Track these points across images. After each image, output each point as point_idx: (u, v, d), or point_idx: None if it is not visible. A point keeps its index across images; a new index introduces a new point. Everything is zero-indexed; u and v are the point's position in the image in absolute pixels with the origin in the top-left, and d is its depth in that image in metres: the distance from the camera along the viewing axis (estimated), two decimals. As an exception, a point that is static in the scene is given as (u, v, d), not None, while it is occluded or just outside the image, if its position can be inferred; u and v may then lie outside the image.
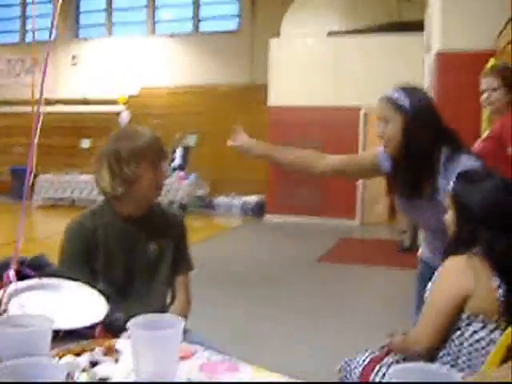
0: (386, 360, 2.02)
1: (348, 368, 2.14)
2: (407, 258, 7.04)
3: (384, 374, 1.98)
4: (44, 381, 0.91)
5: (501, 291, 1.79)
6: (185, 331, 2.23)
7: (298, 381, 1.34)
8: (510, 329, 1.69)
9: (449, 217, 1.97)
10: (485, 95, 3.33)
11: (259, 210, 12.55)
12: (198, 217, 12.25)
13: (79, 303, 1.61)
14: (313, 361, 3.83)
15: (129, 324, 1.17)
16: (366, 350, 2.16)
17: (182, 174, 12.56)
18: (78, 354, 1.35)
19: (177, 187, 12.32)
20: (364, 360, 2.10)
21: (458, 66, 6.74)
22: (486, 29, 6.48)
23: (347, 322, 4.94)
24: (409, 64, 10.77)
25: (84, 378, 1.18)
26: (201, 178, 12.95)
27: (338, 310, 5.34)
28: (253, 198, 12.77)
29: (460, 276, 1.83)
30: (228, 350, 1.92)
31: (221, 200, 13.26)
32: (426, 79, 9.31)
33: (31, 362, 0.98)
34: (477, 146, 3.35)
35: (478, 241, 1.84)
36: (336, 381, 2.18)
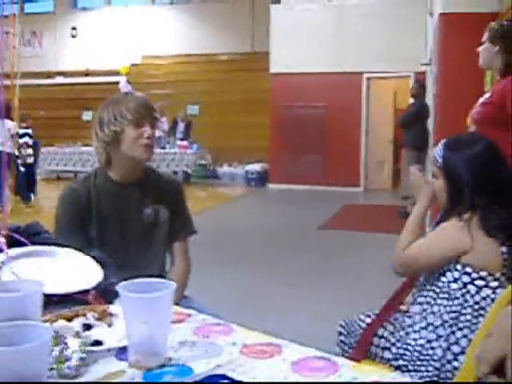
0: (388, 327, 2.01)
1: (348, 329, 2.14)
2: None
3: (385, 338, 1.98)
4: (31, 344, 0.90)
5: (504, 249, 1.80)
6: (184, 298, 2.26)
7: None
8: (507, 290, 1.68)
9: (437, 186, 1.98)
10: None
11: (262, 179, 12.54)
12: (202, 186, 12.26)
13: (73, 269, 1.60)
14: (312, 325, 3.86)
15: (119, 287, 1.16)
16: (370, 313, 2.15)
17: (184, 143, 12.52)
18: (70, 319, 1.35)
19: (180, 157, 12.30)
20: (364, 322, 2.10)
21: (461, 28, 6.62)
22: (490, -11, 6.36)
23: (347, 287, 4.96)
24: (411, 28, 10.64)
25: (75, 342, 1.18)
26: (203, 148, 12.92)
27: (339, 276, 5.36)
28: (256, 167, 12.75)
29: (457, 232, 1.85)
30: (227, 315, 1.93)
31: (224, 169, 13.26)
32: (429, 43, 9.18)
33: (17, 324, 0.97)
34: (476, 110, 3.30)
35: (474, 208, 1.85)
36: (335, 342, 2.18)
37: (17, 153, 9.50)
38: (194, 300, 2.31)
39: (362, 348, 2.02)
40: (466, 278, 1.84)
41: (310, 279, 5.26)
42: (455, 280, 1.85)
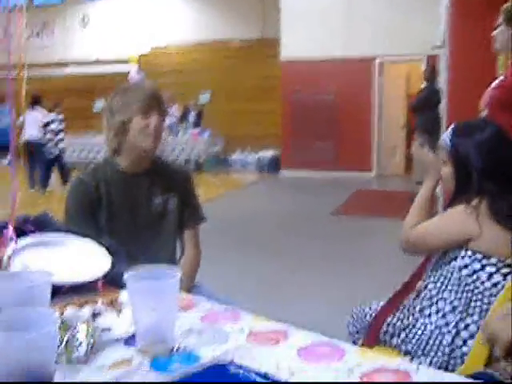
0: (397, 315, 2.01)
1: (358, 317, 2.14)
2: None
3: (393, 325, 1.98)
4: (38, 332, 0.91)
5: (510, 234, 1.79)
6: (194, 285, 2.28)
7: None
8: None
9: (445, 173, 1.96)
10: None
11: (274, 165, 12.53)
12: (214, 174, 12.28)
13: (83, 258, 1.61)
14: (324, 311, 3.87)
15: (125, 275, 1.18)
16: (379, 301, 2.15)
17: (196, 131, 12.53)
18: (80, 307, 1.36)
19: (192, 145, 12.32)
20: (375, 310, 2.10)
21: (473, 10, 6.55)
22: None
23: (360, 273, 4.96)
24: (423, 10, 10.51)
25: (83, 329, 1.20)
26: (215, 135, 12.91)
27: (352, 262, 5.36)
28: (268, 154, 12.73)
29: (465, 218, 1.83)
30: (237, 301, 1.94)
31: (236, 156, 13.26)
32: (441, 26, 9.08)
33: (25, 311, 0.99)
34: (489, 93, 3.27)
35: (483, 194, 1.83)
36: (346, 332, 2.19)
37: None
38: (204, 287, 2.32)
39: (373, 334, 2.03)
40: (476, 265, 1.82)
41: (323, 265, 5.26)
42: (466, 266, 1.84)
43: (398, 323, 1.96)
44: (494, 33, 3.23)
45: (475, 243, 1.82)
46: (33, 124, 10.03)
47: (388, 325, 1.99)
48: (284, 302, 4.09)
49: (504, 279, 1.79)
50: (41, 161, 10.21)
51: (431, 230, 1.95)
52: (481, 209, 1.81)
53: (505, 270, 1.80)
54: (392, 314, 2.01)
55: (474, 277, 1.82)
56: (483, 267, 1.81)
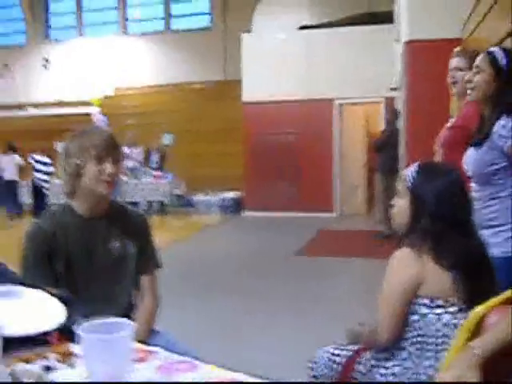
0: (364, 362, 2.00)
1: (322, 361, 2.12)
2: (386, 248, 7.08)
3: (361, 373, 1.97)
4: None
5: (451, 274, 1.81)
6: (153, 332, 2.24)
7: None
8: (470, 316, 1.68)
9: (400, 204, 1.99)
10: (450, 74, 3.21)
11: (237, 207, 12.54)
12: (177, 216, 12.21)
13: (36, 310, 1.58)
14: (287, 352, 3.83)
15: (78, 329, 1.16)
16: (343, 345, 2.13)
17: (159, 173, 12.49)
18: (31, 361, 1.33)
19: (154, 187, 12.25)
20: (342, 356, 2.07)
21: (426, 55, 6.79)
22: (453, 17, 6.55)
23: (324, 313, 4.94)
24: (380, 55, 10.87)
25: (35, 385, 1.17)
26: (178, 177, 12.89)
27: (316, 302, 5.35)
28: (230, 195, 12.75)
29: (408, 266, 1.85)
30: (199, 348, 1.92)
31: (199, 198, 13.22)
32: (397, 69, 9.36)
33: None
34: (442, 134, 3.35)
35: (429, 235, 1.86)
36: (307, 375, 2.17)
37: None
38: (163, 334, 2.28)
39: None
40: (423, 309, 1.84)
41: (287, 306, 5.22)
42: (413, 313, 1.86)
43: (364, 370, 1.96)
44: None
45: (421, 289, 1.84)
46: (11, 165, 12.07)
47: (357, 372, 1.98)
48: (247, 345, 4.05)
49: (454, 318, 1.81)
50: (14, 196, 12.22)
51: (386, 294, 1.92)
52: (424, 250, 1.84)
53: (452, 309, 1.82)
54: (360, 361, 2.00)
55: (423, 321, 1.84)
56: (431, 310, 1.83)
